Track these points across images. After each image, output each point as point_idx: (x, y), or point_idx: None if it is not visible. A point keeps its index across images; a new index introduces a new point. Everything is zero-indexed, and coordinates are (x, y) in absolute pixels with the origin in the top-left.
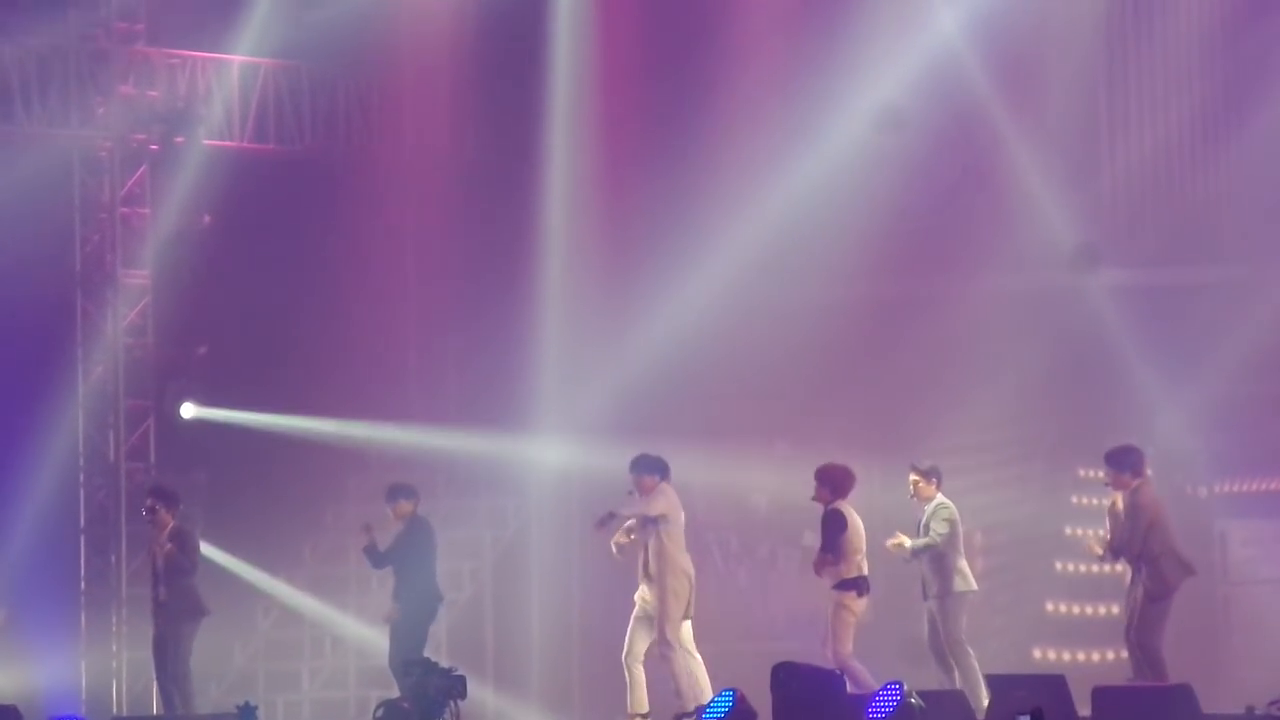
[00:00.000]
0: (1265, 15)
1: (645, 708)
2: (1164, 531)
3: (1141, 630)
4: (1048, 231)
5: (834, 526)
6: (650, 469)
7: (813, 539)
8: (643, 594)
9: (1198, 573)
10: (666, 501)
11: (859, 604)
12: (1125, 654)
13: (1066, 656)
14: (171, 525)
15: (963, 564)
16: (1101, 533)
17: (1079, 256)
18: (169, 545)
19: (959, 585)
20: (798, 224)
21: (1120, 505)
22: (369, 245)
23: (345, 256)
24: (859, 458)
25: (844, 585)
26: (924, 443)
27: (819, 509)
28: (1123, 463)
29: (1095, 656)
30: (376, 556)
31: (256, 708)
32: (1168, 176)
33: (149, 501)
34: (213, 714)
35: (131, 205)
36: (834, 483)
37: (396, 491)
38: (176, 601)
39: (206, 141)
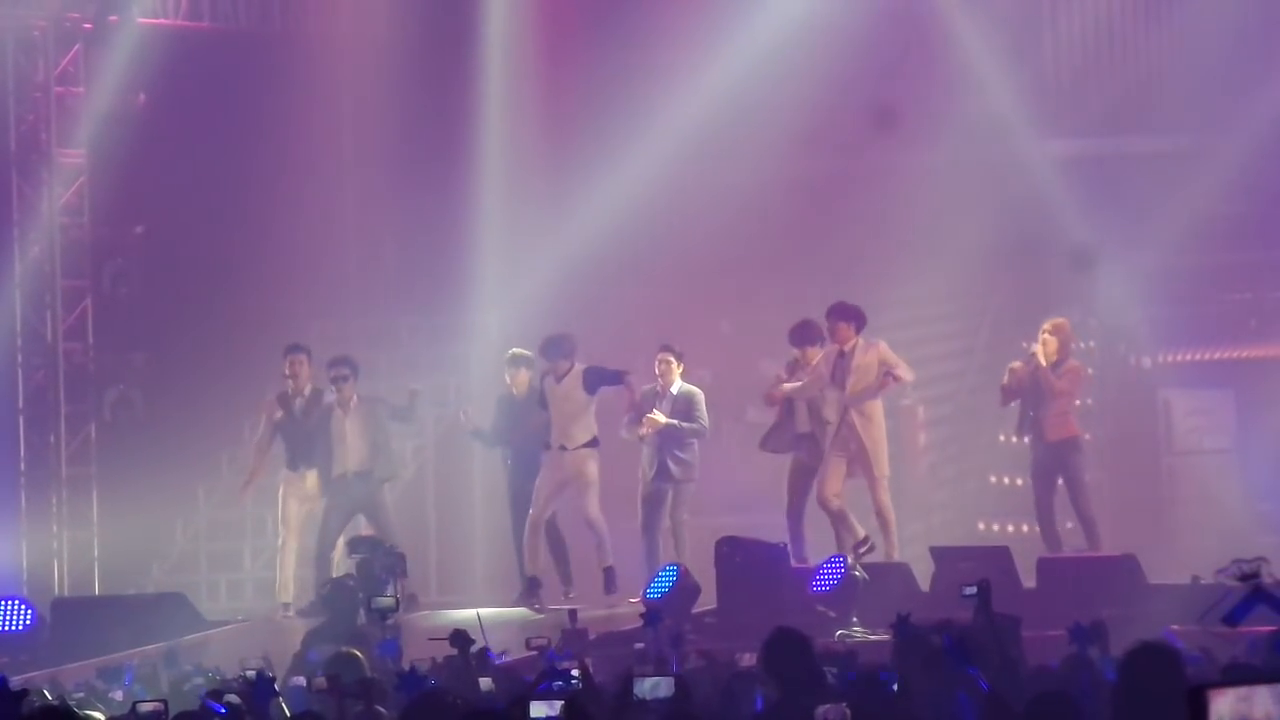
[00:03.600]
0: None
1: None
2: None
3: None
4: (990, 104)
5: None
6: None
7: (756, 415)
8: None
9: None
10: None
11: None
12: (1071, 525)
13: (1010, 528)
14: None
15: None
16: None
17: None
18: (366, 406)
19: None
20: (739, 101)
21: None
22: (305, 125)
23: (281, 136)
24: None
25: None
26: (869, 318)
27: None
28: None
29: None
30: (486, 436)
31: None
32: (1110, 46)
33: (344, 371)
34: (155, 593)
35: (66, 84)
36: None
37: (521, 361)
38: (381, 467)
39: (141, 20)
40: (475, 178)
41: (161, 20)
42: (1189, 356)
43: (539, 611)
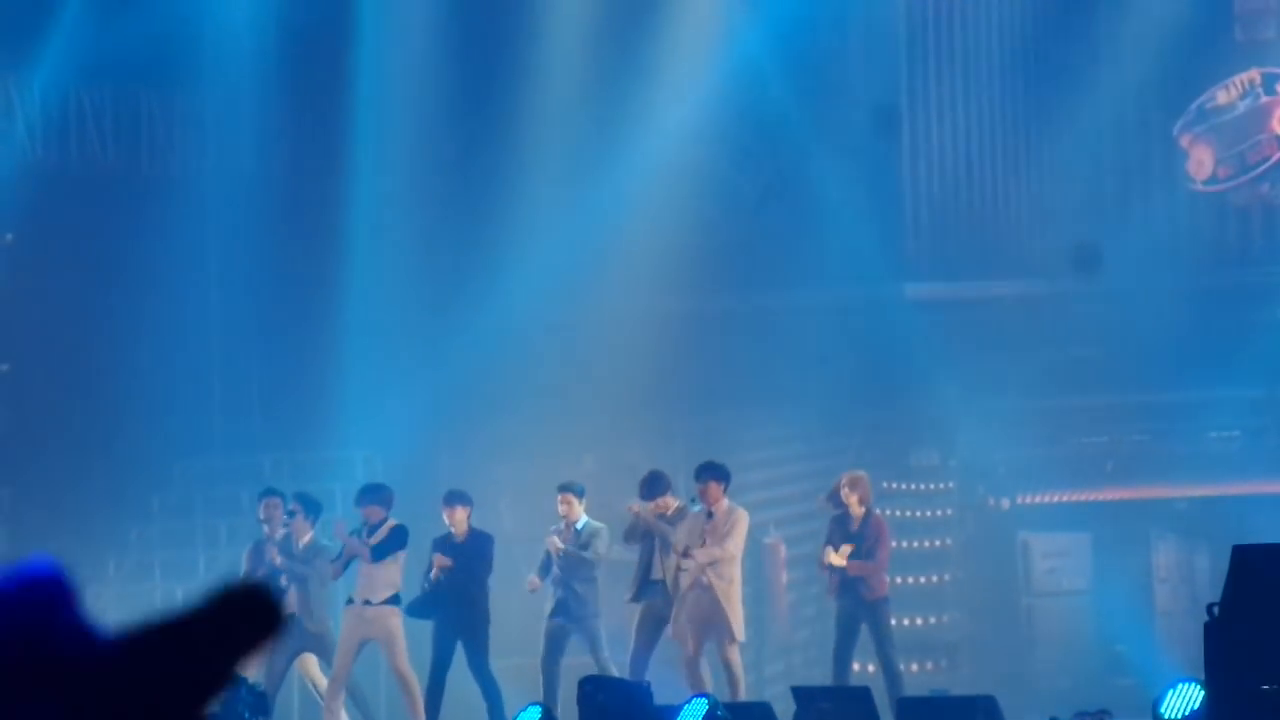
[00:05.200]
0: (1066, 31)
1: None
2: None
3: None
4: (851, 245)
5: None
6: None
7: (619, 552)
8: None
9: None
10: None
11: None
12: (930, 666)
13: (871, 668)
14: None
15: None
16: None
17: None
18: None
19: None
20: (602, 240)
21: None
22: (172, 264)
23: (148, 275)
24: (666, 474)
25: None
26: (730, 457)
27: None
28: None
29: (899, 667)
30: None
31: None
32: (969, 191)
33: (292, 505)
34: None
35: None
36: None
37: (456, 498)
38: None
39: (8, 157)
40: (341, 315)
41: (29, 158)
42: (1047, 498)
43: None
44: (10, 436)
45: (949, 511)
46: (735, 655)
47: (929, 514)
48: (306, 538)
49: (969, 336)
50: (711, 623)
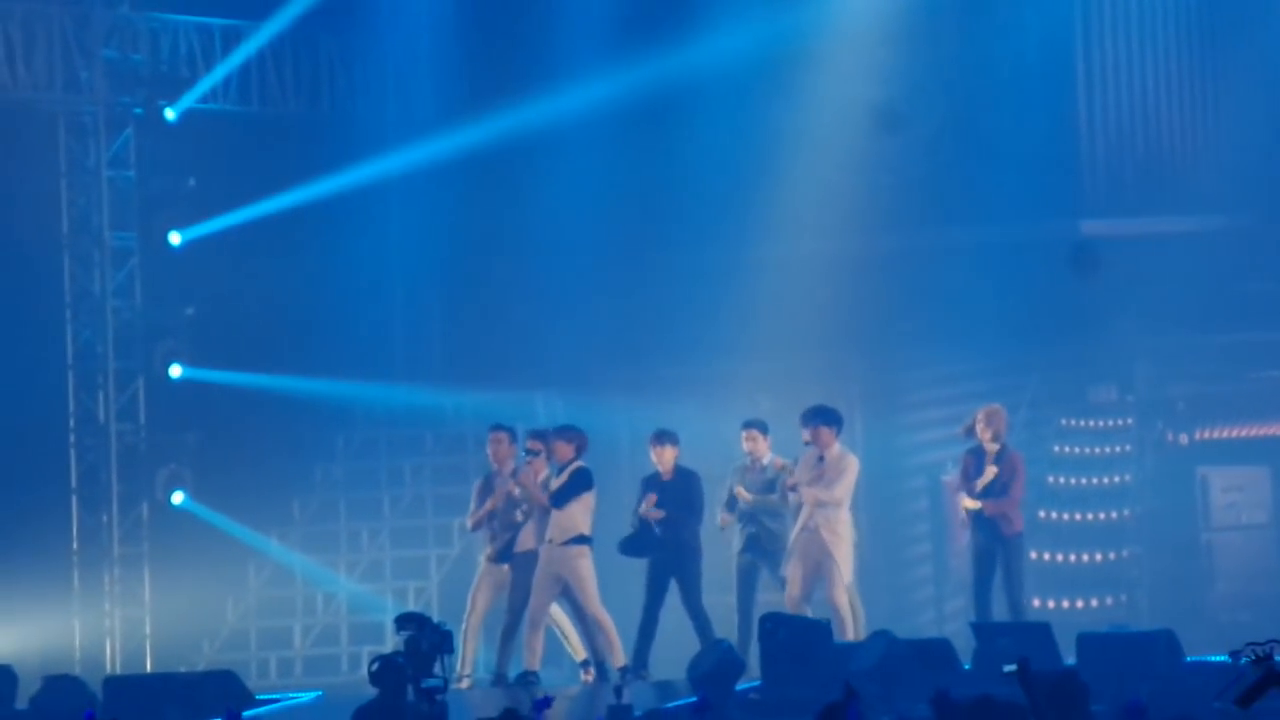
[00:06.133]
0: None
1: None
2: None
3: None
4: (1027, 182)
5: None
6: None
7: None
8: None
9: None
10: None
11: None
12: (1110, 601)
13: (1051, 604)
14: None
15: None
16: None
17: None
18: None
19: None
20: (779, 179)
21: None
22: (352, 206)
23: (329, 217)
24: (842, 412)
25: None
26: (906, 395)
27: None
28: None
29: (1079, 603)
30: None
31: None
32: (1145, 126)
33: (530, 443)
34: (205, 671)
35: (117, 168)
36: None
37: (665, 436)
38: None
39: (190, 104)
40: (518, 257)
41: (210, 105)
42: (1226, 433)
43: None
44: (195, 379)
45: (1128, 448)
46: (843, 597)
47: (1108, 450)
48: (544, 473)
49: (1146, 272)
50: (820, 565)
